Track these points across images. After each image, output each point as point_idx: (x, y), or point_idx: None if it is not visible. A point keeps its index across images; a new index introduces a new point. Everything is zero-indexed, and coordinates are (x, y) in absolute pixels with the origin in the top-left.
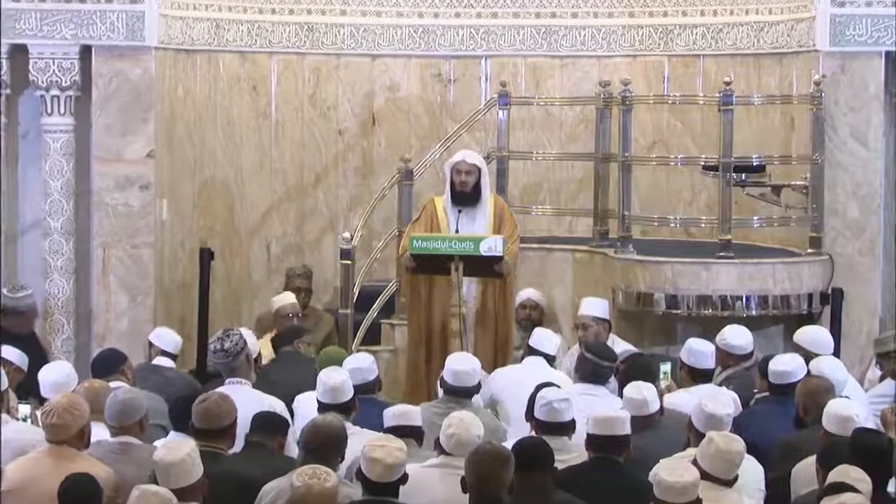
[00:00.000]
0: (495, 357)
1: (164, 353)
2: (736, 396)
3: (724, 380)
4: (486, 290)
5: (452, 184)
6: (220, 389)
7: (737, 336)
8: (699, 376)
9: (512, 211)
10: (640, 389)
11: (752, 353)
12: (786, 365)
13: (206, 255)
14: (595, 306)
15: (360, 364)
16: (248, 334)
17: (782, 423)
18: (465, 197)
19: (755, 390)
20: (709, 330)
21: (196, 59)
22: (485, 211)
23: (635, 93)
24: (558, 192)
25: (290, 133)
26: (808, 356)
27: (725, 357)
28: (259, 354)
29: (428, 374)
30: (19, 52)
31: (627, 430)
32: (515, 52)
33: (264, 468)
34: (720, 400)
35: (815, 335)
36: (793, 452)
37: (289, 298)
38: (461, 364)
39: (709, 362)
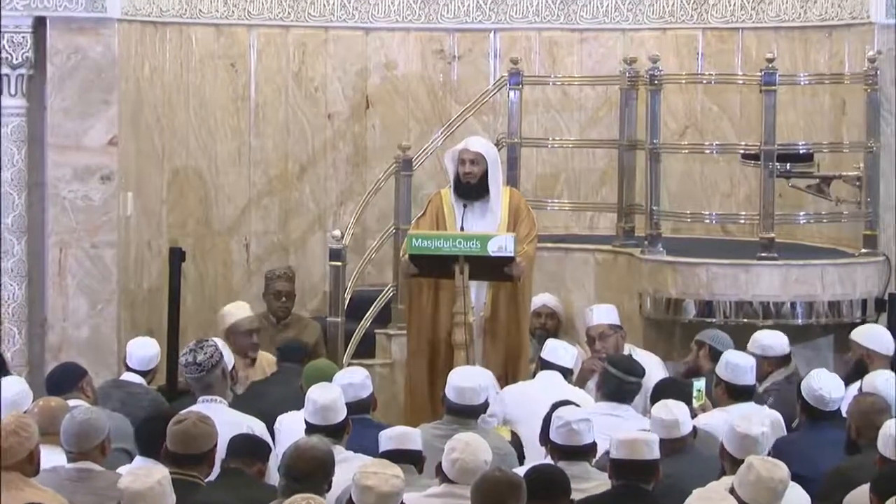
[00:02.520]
0: (506, 372)
1: (130, 370)
2: (778, 416)
3: (763, 393)
4: (496, 296)
5: (456, 175)
6: (192, 408)
7: (770, 336)
8: (738, 394)
9: (530, 206)
10: (670, 409)
11: (789, 356)
12: (826, 391)
13: (177, 256)
14: (609, 313)
15: (353, 379)
16: (223, 346)
17: (830, 447)
18: (471, 189)
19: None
20: (748, 341)
21: (165, 33)
22: (496, 205)
23: (665, 71)
24: (577, 183)
25: (272, 117)
26: (865, 356)
27: (761, 362)
28: (234, 370)
29: (432, 392)
30: None
31: (656, 454)
32: (529, 25)
33: (242, 498)
34: (753, 418)
35: (873, 331)
36: (844, 480)
37: (243, 310)
38: (466, 379)
39: (748, 377)
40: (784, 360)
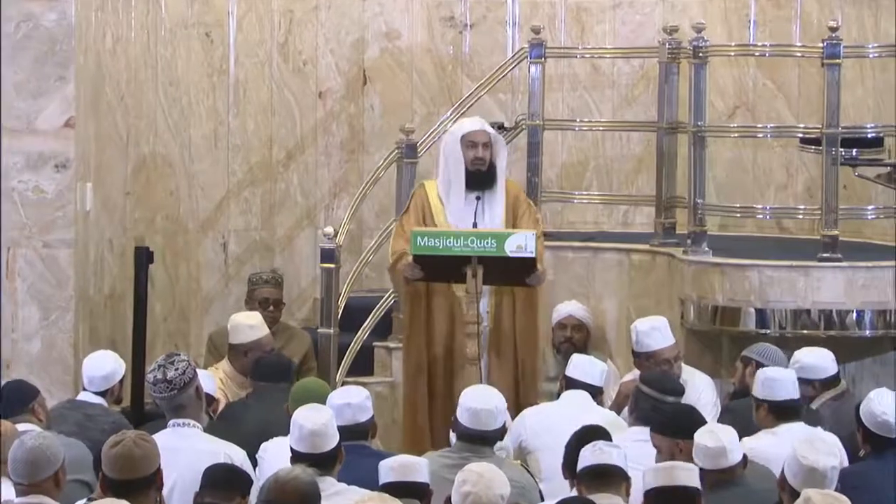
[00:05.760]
0: (517, 392)
1: (87, 389)
2: (836, 440)
3: (816, 412)
4: (500, 304)
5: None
6: (162, 433)
7: (814, 355)
8: (783, 412)
9: (531, 199)
10: (716, 434)
11: (837, 376)
12: (891, 415)
13: (144, 257)
14: (668, 332)
15: (351, 399)
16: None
17: None
18: (481, 178)
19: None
20: None
21: None
22: (500, 198)
23: (712, 42)
24: (609, 173)
25: (253, 96)
26: None
27: (804, 386)
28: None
29: (431, 414)
30: None
31: (696, 482)
32: None
33: None
34: (821, 448)
35: None
36: None
37: (262, 325)
38: (481, 400)
39: (791, 392)
40: (832, 381)
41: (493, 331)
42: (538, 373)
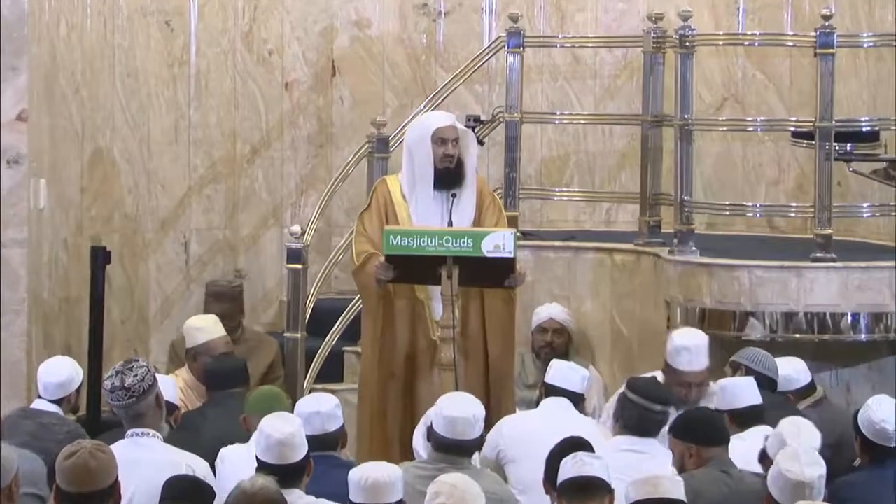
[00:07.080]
0: (488, 400)
1: (42, 397)
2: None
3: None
4: (467, 306)
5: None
6: (120, 443)
7: (786, 366)
8: (746, 420)
9: (496, 194)
10: (800, 465)
11: (812, 384)
12: (890, 423)
13: (100, 257)
14: (700, 356)
15: (321, 407)
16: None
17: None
18: (450, 176)
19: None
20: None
21: None
22: (471, 196)
23: (699, 30)
24: (591, 168)
25: (216, 87)
26: None
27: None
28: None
29: (389, 430)
30: None
31: (680, 494)
32: None
33: None
34: (804, 459)
35: None
36: None
37: (217, 328)
38: (458, 408)
39: (751, 398)
40: (807, 390)
41: (460, 335)
42: (512, 379)
